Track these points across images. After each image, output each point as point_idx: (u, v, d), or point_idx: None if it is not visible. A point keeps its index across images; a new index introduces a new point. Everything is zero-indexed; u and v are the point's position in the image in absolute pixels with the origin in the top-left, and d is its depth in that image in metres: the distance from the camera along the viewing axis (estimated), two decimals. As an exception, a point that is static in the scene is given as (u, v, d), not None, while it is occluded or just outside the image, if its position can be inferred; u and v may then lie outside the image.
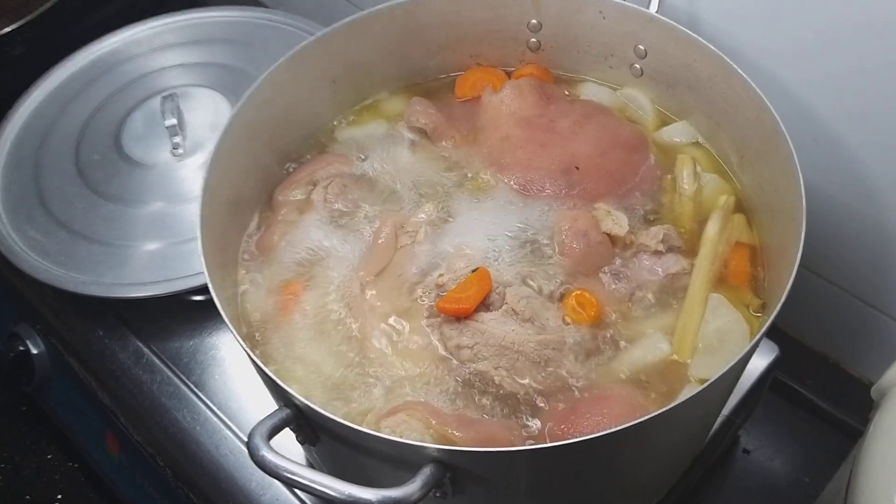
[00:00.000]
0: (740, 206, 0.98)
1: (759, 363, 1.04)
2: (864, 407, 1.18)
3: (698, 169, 1.00)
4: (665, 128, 1.07)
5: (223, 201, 0.94)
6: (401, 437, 0.77)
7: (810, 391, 1.20)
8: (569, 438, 0.71)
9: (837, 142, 1.02)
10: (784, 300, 0.74)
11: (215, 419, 1.12)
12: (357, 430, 0.67)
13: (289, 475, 0.65)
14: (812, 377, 1.22)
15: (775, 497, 1.14)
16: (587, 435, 0.68)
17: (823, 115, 1.01)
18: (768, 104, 0.87)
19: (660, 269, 0.91)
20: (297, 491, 1.05)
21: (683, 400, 0.71)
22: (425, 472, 0.66)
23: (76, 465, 1.74)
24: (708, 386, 0.72)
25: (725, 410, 1.00)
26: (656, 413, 0.69)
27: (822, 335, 1.24)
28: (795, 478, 1.15)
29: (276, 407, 0.75)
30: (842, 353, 1.24)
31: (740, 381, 0.95)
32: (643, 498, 0.98)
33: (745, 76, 0.90)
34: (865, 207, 1.06)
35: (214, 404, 1.14)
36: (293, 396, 0.70)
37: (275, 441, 0.70)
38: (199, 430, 1.12)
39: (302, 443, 0.79)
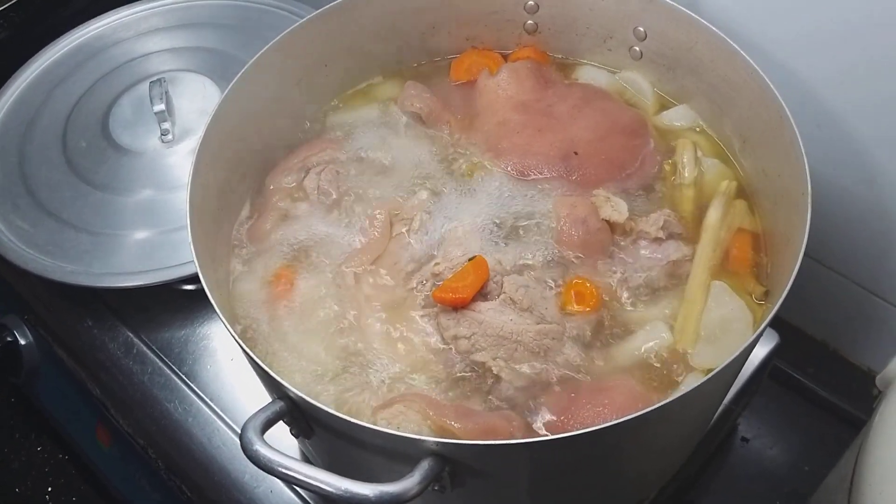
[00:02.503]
0: (742, 192, 0.96)
1: (759, 351, 1.03)
2: (864, 395, 1.18)
3: (699, 154, 0.98)
4: (665, 112, 1.05)
5: (213, 188, 0.92)
6: (398, 428, 0.76)
7: (810, 379, 1.20)
8: (570, 430, 0.69)
9: (840, 127, 1.00)
10: (789, 289, 0.73)
11: (207, 410, 1.11)
12: (353, 422, 0.65)
13: (283, 470, 0.63)
14: (812, 365, 1.21)
15: (774, 485, 1.13)
16: (589, 427, 0.66)
17: (826, 99, 0.99)
18: (773, 88, 0.85)
19: (660, 256, 0.90)
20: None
21: (687, 391, 0.70)
22: (423, 467, 0.65)
23: (66, 458, 1.72)
24: (712, 376, 0.70)
25: (725, 399, 0.99)
26: (659, 404, 0.67)
27: (821, 323, 1.23)
28: (795, 466, 1.14)
29: (270, 399, 0.73)
30: (842, 340, 1.23)
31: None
32: (643, 488, 0.96)
33: (749, 59, 0.88)
34: (866, 192, 1.04)
35: (206, 395, 1.12)
36: (287, 388, 0.68)
37: (268, 433, 0.68)
38: (190, 422, 1.10)
39: (296, 436, 0.77)
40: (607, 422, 0.66)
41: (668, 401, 0.68)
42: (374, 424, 0.66)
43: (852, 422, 1.15)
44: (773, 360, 1.05)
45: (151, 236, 1.18)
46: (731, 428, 1.16)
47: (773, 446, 1.16)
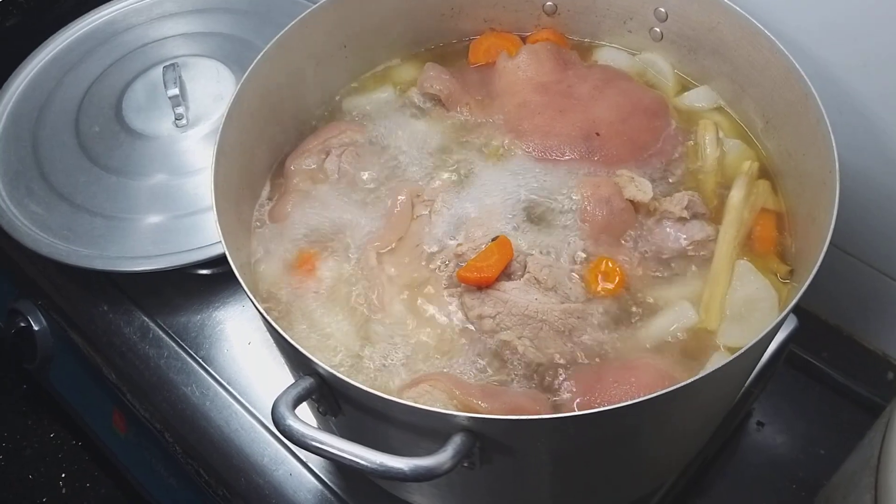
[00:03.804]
0: (765, 172, 0.96)
1: (778, 334, 1.02)
2: (879, 380, 1.18)
3: (721, 135, 0.98)
4: (686, 93, 1.05)
5: (235, 169, 0.91)
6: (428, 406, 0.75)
7: (825, 364, 1.19)
8: (596, 408, 0.69)
9: (861, 112, 1.00)
10: (818, 267, 0.73)
11: (225, 394, 1.10)
12: (386, 398, 0.64)
13: (318, 444, 0.63)
14: (827, 350, 1.21)
15: (789, 470, 1.13)
16: (617, 403, 0.66)
17: (848, 85, 0.99)
18: (798, 67, 0.85)
19: (684, 237, 0.90)
20: (310, 465, 1.03)
21: (715, 369, 0.70)
22: (456, 442, 0.64)
23: (80, 444, 1.72)
24: (741, 354, 0.70)
25: (746, 381, 0.99)
26: (687, 382, 0.67)
27: (836, 307, 1.23)
28: (810, 451, 1.14)
29: (294, 379, 0.73)
30: (857, 325, 1.23)
31: (758, 352, 0.94)
32: (663, 471, 0.96)
33: (773, 39, 0.88)
34: (886, 177, 1.04)
35: (223, 379, 1.11)
36: (317, 365, 0.68)
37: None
38: (208, 406, 1.10)
39: (323, 414, 0.77)
40: (634, 399, 0.66)
41: (695, 379, 0.68)
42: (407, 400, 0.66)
43: (868, 406, 1.15)
44: (790, 344, 1.05)
45: (166, 220, 1.17)
46: (747, 413, 1.16)
47: (787, 431, 1.16)
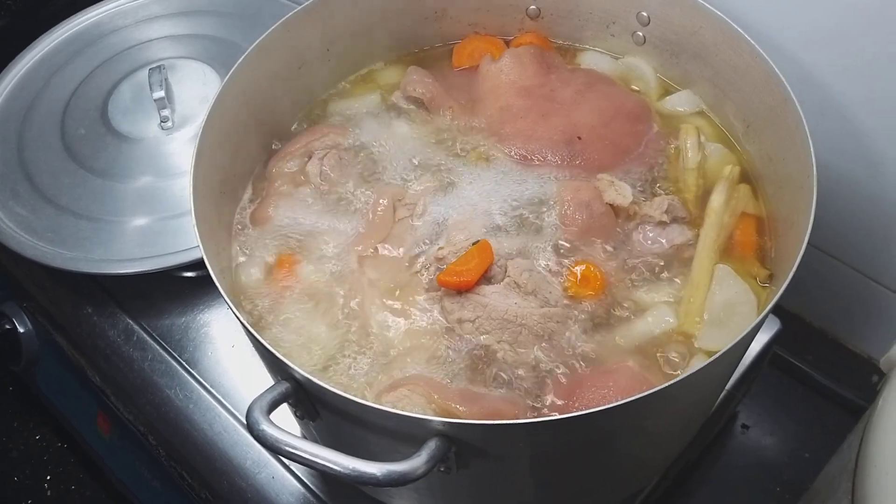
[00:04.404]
0: (746, 176, 0.96)
1: (760, 337, 1.03)
2: (864, 383, 1.18)
3: (702, 139, 0.98)
4: (668, 97, 1.05)
5: (216, 172, 0.91)
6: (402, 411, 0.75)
7: (810, 366, 1.20)
8: (573, 412, 0.69)
9: (843, 115, 1.00)
10: (794, 271, 0.73)
11: (208, 397, 1.10)
12: (361, 403, 0.64)
13: (290, 450, 0.63)
14: (812, 352, 1.21)
15: (774, 473, 1.13)
16: (593, 408, 0.66)
17: (830, 88, 0.99)
18: (777, 72, 0.85)
19: (664, 240, 0.90)
20: (293, 468, 1.03)
21: (691, 373, 0.70)
22: (430, 446, 0.64)
23: (65, 446, 1.72)
24: (717, 358, 0.70)
25: (727, 385, 0.99)
26: (662, 386, 0.67)
27: (821, 310, 1.23)
28: (794, 453, 1.14)
29: (273, 382, 0.73)
30: (841, 328, 1.23)
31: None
32: (645, 474, 0.96)
33: (753, 43, 0.88)
34: (868, 180, 1.04)
35: (207, 382, 1.11)
36: (293, 370, 0.68)
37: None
38: (191, 409, 1.09)
39: (301, 418, 0.77)
40: (610, 403, 0.66)
41: (671, 383, 0.68)
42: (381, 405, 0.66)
43: (852, 409, 1.15)
44: (773, 347, 1.05)
45: (151, 223, 1.17)
46: (732, 415, 1.16)
47: (772, 433, 1.17)
